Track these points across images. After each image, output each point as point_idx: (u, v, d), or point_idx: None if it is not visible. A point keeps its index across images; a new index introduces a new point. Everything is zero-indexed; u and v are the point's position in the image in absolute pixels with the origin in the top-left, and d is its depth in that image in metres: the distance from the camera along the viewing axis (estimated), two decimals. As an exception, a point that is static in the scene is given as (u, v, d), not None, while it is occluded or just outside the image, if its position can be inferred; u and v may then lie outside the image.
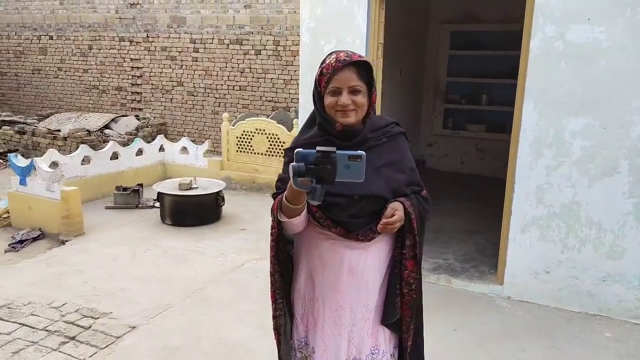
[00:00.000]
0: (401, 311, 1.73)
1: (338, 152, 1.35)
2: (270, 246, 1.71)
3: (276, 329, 1.82)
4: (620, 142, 3.30)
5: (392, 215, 1.56)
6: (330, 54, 1.61)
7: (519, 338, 3.22)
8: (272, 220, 1.67)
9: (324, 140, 1.60)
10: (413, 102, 7.05)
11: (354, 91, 1.55)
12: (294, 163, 1.35)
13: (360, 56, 1.58)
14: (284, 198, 1.54)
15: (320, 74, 1.59)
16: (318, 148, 1.35)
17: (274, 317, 1.80)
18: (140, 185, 6.11)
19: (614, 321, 3.45)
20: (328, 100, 1.57)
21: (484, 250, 4.51)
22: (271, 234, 1.69)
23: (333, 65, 1.54)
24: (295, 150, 1.38)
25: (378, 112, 4.04)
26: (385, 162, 1.65)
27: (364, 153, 1.37)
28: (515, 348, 3.10)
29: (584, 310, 3.56)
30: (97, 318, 3.35)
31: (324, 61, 1.60)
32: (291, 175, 1.36)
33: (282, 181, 1.68)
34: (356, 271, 1.67)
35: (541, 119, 3.46)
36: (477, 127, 7.24)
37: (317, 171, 1.34)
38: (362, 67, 1.57)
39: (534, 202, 3.59)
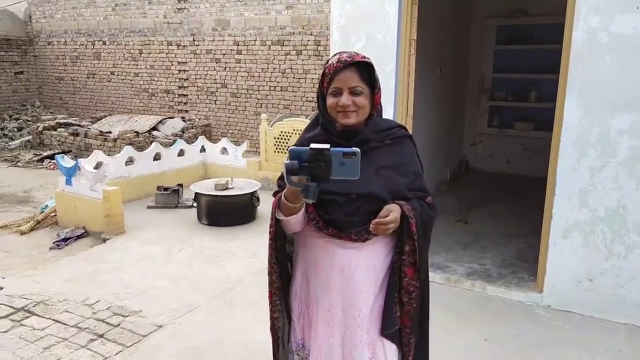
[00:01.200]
0: (401, 321, 1.65)
1: (332, 149, 1.33)
2: (269, 245, 1.70)
3: (273, 330, 1.80)
4: (673, 141, 3.02)
5: (386, 216, 1.51)
6: (334, 54, 1.61)
7: (555, 351, 3.01)
8: (271, 219, 1.66)
9: (326, 139, 1.57)
10: (455, 101, 6.81)
11: (354, 92, 1.54)
12: (287, 161, 1.34)
13: (363, 57, 1.56)
14: (282, 196, 1.54)
15: (323, 74, 1.59)
16: (312, 145, 1.33)
17: (272, 318, 1.79)
18: (180, 185, 6.24)
19: (664, 335, 3.17)
20: (329, 100, 1.57)
21: (525, 255, 4.27)
22: (269, 233, 1.68)
23: (335, 65, 1.54)
24: (289, 148, 1.37)
25: (408, 110, 3.92)
26: (386, 164, 1.61)
27: (358, 150, 1.35)
28: (550, 362, 2.91)
29: (631, 322, 3.30)
30: (127, 316, 3.42)
31: (327, 62, 1.61)
32: (285, 173, 1.35)
33: (283, 179, 1.65)
34: (347, 272, 1.63)
35: (585, 117, 3.23)
36: (524, 125, 6.90)
37: (310, 169, 1.32)
38: (365, 68, 1.56)
39: (576, 206, 3.36)
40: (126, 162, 6.29)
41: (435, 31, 5.37)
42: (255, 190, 5.45)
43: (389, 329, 1.64)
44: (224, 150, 7.25)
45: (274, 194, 1.68)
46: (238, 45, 9.18)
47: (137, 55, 10.58)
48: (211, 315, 3.44)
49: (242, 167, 6.96)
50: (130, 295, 3.72)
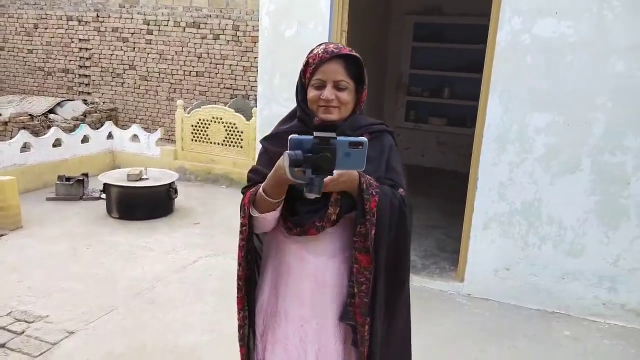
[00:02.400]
0: (354, 317, 1.47)
1: (338, 138, 1.21)
2: (239, 246, 1.51)
3: (242, 340, 1.60)
4: (583, 140, 3.27)
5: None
6: (320, 44, 1.49)
7: (479, 338, 3.15)
8: (242, 217, 1.48)
9: (303, 132, 1.43)
10: (375, 94, 6.92)
11: (339, 86, 1.42)
12: (289, 151, 1.20)
13: (350, 50, 1.45)
14: (261, 190, 1.39)
15: (306, 64, 1.47)
16: (316, 133, 1.20)
17: (240, 327, 1.59)
18: (85, 175, 5.73)
19: (572, 319, 3.45)
20: (311, 93, 1.45)
21: (444, 246, 4.45)
22: (241, 232, 1.50)
23: (320, 55, 1.42)
24: (290, 137, 1.22)
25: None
26: None
27: (365, 139, 1.24)
28: (475, 349, 3.03)
29: (543, 308, 3.55)
30: (32, 322, 3.05)
31: (311, 51, 1.47)
32: (286, 164, 1.20)
33: (255, 173, 1.52)
34: (322, 281, 1.50)
35: (505, 115, 3.39)
36: (439, 121, 7.21)
37: (315, 159, 1.19)
38: (352, 63, 1.44)
39: (496, 199, 3.53)
40: (21, 148, 5.64)
41: (358, 24, 5.37)
42: (173, 182, 5.14)
43: (345, 318, 1.49)
44: (135, 138, 6.78)
45: (244, 189, 1.51)
46: (149, 24, 8.59)
47: (32, 30, 9.53)
48: (129, 317, 3.17)
49: (156, 156, 6.55)
50: (33, 298, 3.33)
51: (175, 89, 8.62)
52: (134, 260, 4.01)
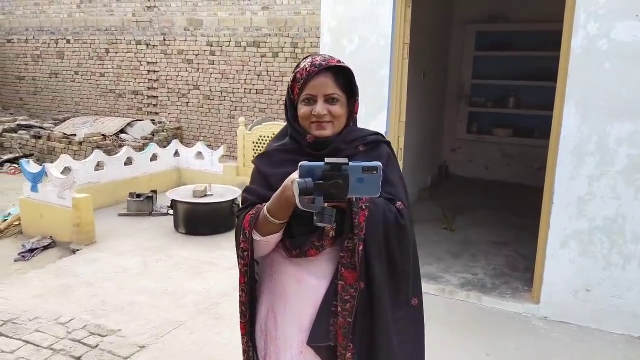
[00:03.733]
0: (336, 338, 1.38)
1: (351, 163, 1.16)
2: (242, 272, 1.43)
3: None
4: (672, 150, 3.00)
5: None
6: (306, 57, 1.41)
7: (559, 364, 2.94)
8: (243, 241, 1.39)
9: (296, 148, 1.41)
10: (436, 106, 6.77)
11: (330, 100, 1.36)
12: (299, 179, 1.15)
13: (339, 61, 1.39)
14: (265, 211, 1.32)
15: (293, 79, 1.40)
16: (327, 160, 1.16)
17: (244, 352, 1.53)
18: (154, 191, 5.95)
19: (662, 345, 3.15)
20: (302, 109, 1.38)
21: (515, 264, 4.22)
22: (242, 257, 1.41)
23: (308, 69, 1.35)
24: (300, 164, 1.17)
25: (401, 115, 3.80)
26: None
27: (380, 164, 1.18)
28: (556, 376, 2.83)
29: (628, 333, 3.26)
30: (105, 336, 3.16)
31: (297, 65, 1.41)
32: (296, 193, 1.15)
33: (250, 192, 1.46)
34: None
35: (583, 125, 3.18)
36: (503, 132, 6.92)
37: (326, 187, 1.14)
38: (341, 74, 1.38)
39: (574, 215, 3.30)
40: (95, 166, 5.95)
41: (419, 35, 5.29)
42: (236, 197, 5.23)
43: (315, 340, 1.40)
44: (199, 155, 6.98)
45: (240, 212, 1.44)
46: (211, 45, 8.90)
47: (104, 55, 10.14)
48: (197, 333, 3.21)
49: (219, 172, 6.70)
50: (107, 312, 3.45)
51: (236, 106, 8.85)
52: (200, 275, 4.08)
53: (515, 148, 6.91)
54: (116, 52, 9.99)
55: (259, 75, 8.55)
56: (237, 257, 1.44)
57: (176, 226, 5.19)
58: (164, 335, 3.17)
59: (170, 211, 5.33)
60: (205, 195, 5.21)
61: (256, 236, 1.36)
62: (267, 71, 8.45)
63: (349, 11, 3.74)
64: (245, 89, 8.71)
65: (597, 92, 3.12)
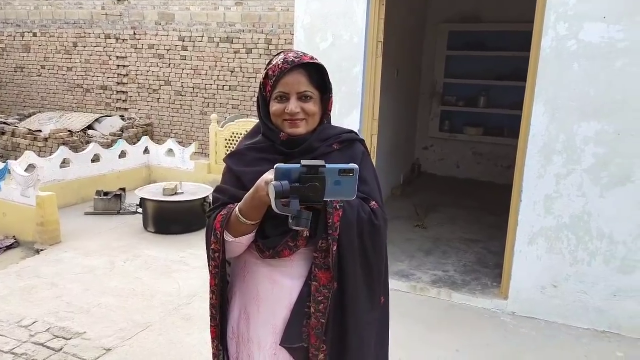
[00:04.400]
0: (309, 339, 1.36)
1: (328, 165, 1.14)
2: (212, 273, 1.40)
3: None
4: (635, 150, 3.08)
5: None
6: (278, 53, 1.39)
7: (528, 359, 2.98)
8: (214, 242, 1.36)
9: (269, 146, 1.39)
10: (409, 104, 6.81)
11: (303, 97, 1.34)
12: (275, 182, 1.13)
13: (312, 57, 1.37)
14: (237, 212, 1.29)
15: (266, 76, 1.37)
16: (303, 162, 1.14)
17: (214, 355, 1.49)
18: (123, 189, 5.81)
19: (625, 339, 3.24)
20: (274, 107, 1.36)
21: (485, 260, 4.28)
22: (213, 259, 1.38)
23: (280, 66, 1.33)
24: (275, 166, 1.15)
25: (374, 113, 3.80)
26: None
27: (356, 166, 1.17)
28: (524, 372, 2.87)
29: (593, 327, 3.34)
30: (69, 338, 3.06)
31: (269, 62, 1.38)
32: (272, 196, 1.12)
33: (222, 192, 1.42)
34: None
35: (551, 124, 3.24)
36: (474, 130, 7.02)
37: (303, 190, 1.12)
38: (314, 71, 1.36)
39: (542, 212, 3.36)
40: (60, 164, 5.77)
41: (393, 33, 5.30)
42: (207, 195, 5.14)
43: (288, 341, 1.38)
44: (170, 152, 6.85)
45: (210, 212, 1.41)
46: (183, 40, 8.75)
47: (71, 48, 9.86)
48: (165, 334, 3.14)
49: (190, 169, 6.60)
50: (72, 314, 3.34)
51: (208, 103, 8.73)
52: (169, 275, 4.00)
53: (485, 147, 7.01)
54: (84, 46, 9.72)
55: (232, 72, 8.44)
56: (208, 259, 1.41)
57: (145, 225, 5.08)
58: (131, 337, 3.09)
59: (139, 210, 5.22)
60: (176, 193, 5.12)
61: (228, 237, 1.33)
62: (241, 67, 8.36)
63: (323, 8, 3.71)
64: (218, 85, 8.60)
65: (566, 92, 3.17)
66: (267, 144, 1.40)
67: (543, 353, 3.06)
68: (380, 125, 3.92)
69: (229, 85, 8.49)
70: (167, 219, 4.98)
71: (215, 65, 8.54)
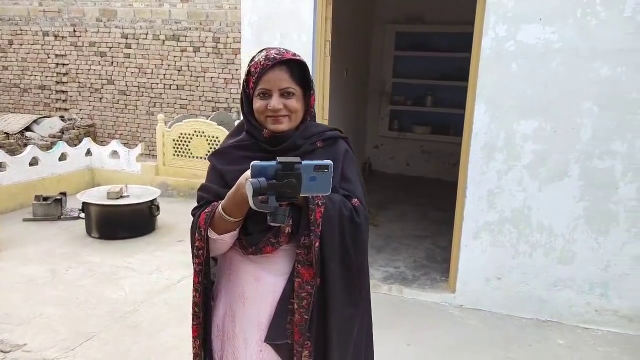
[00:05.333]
0: (293, 336, 1.37)
1: (303, 162, 1.17)
2: (196, 271, 1.40)
3: None
4: (571, 146, 3.25)
5: None
6: (261, 51, 1.40)
7: (474, 350, 3.09)
8: (198, 240, 1.36)
9: (252, 144, 1.40)
10: (359, 103, 6.89)
11: (286, 94, 1.35)
12: (252, 179, 1.14)
13: (294, 54, 1.37)
14: (220, 209, 1.30)
15: (248, 73, 1.39)
16: (279, 159, 1.16)
17: (195, 355, 1.48)
18: (64, 194, 5.55)
19: (565, 327, 3.40)
20: (257, 104, 1.37)
21: (434, 256, 4.39)
22: (197, 256, 1.38)
23: (262, 63, 1.34)
24: (252, 163, 1.16)
25: (323, 113, 3.82)
26: None
27: (331, 162, 1.19)
28: (471, 362, 2.96)
29: (536, 317, 3.50)
30: (8, 351, 2.90)
31: (252, 59, 1.39)
32: (249, 193, 1.14)
33: (206, 190, 1.43)
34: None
35: (492, 122, 3.36)
36: (422, 129, 7.19)
37: (279, 186, 1.14)
38: (296, 67, 1.37)
39: (485, 207, 3.48)
40: (-4, 168, 5.46)
41: (341, 33, 5.35)
42: (155, 198, 5.00)
43: (272, 338, 1.39)
44: (114, 154, 6.62)
45: (195, 210, 1.42)
46: (127, 38, 8.47)
47: (7, 47, 9.32)
48: (111, 344, 3.03)
49: (137, 172, 6.40)
50: (11, 325, 3.16)
51: (155, 103, 8.49)
52: (116, 282, 3.86)
53: (433, 145, 7.20)
54: (21, 44, 9.22)
55: (179, 71, 8.25)
56: (192, 256, 1.41)
57: (89, 231, 4.88)
58: (75, 347, 2.96)
59: (82, 215, 5.00)
60: (122, 197, 4.94)
61: (212, 234, 1.34)
62: (188, 66, 8.17)
63: (270, 6, 3.69)
64: (164, 84, 8.38)
65: (505, 92, 3.30)
66: (250, 142, 1.40)
67: (488, 343, 3.17)
68: (331, 125, 3.94)
69: (177, 85, 8.29)
70: (113, 223, 4.80)
71: (162, 64, 8.32)
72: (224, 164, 1.42)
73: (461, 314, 3.53)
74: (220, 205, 1.31)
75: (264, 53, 1.36)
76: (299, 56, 1.38)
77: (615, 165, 3.19)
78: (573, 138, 3.23)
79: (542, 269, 3.45)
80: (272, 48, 1.39)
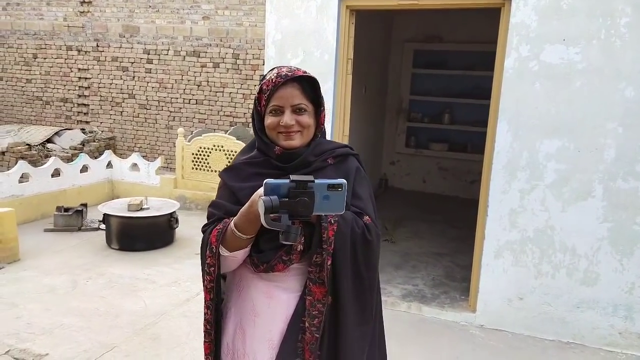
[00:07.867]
0: (303, 355, 1.36)
1: (317, 181, 1.16)
2: (207, 288, 1.39)
3: None
4: (595, 166, 3.23)
5: None
6: (272, 69, 1.41)
7: (497, 372, 3.04)
8: (210, 257, 1.36)
9: (264, 161, 1.41)
10: (376, 120, 6.93)
11: (298, 110, 1.36)
12: (265, 197, 1.14)
13: (304, 72, 1.39)
14: (232, 226, 1.30)
15: (260, 91, 1.39)
16: (292, 177, 1.15)
17: None
18: (84, 205, 5.63)
19: (588, 349, 3.35)
20: (269, 120, 1.38)
21: (453, 274, 4.35)
22: (208, 273, 1.37)
23: (274, 81, 1.36)
24: (265, 181, 1.15)
25: (344, 129, 3.84)
26: None
27: (345, 181, 1.18)
28: (493, 384, 2.92)
29: (558, 339, 3.44)
30: (30, 361, 2.92)
31: (264, 77, 1.41)
32: (261, 211, 1.13)
33: (217, 207, 1.43)
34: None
35: (515, 141, 3.35)
36: (439, 146, 7.19)
37: (292, 205, 1.13)
38: (307, 84, 1.38)
39: (507, 226, 3.46)
40: (19, 179, 5.55)
41: (360, 51, 5.40)
42: (174, 211, 5.05)
43: (283, 357, 1.38)
44: (134, 167, 6.70)
45: (206, 227, 1.41)
46: (149, 54, 8.63)
47: (31, 60, 9.55)
48: (132, 355, 3.04)
49: (156, 185, 6.47)
50: (33, 335, 3.20)
51: (174, 117, 8.61)
52: (135, 294, 3.89)
53: (450, 162, 7.19)
54: (45, 58, 9.44)
55: (199, 86, 8.37)
56: (203, 274, 1.40)
57: (109, 242, 4.93)
58: (97, 358, 2.98)
59: (102, 226, 5.06)
60: (142, 209, 5.00)
61: (223, 251, 1.33)
62: (208, 82, 8.29)
63: (294, 25, 3.75)
64: (184, 99, 8.50)
65: (528, 111, 3.30)
66: (262, 159, 1.41)
67: (511, 365, 3.13)
68: (350, 141, 3.97)
69: (196, 99, 8.41)
70: (132, 235, 4.85)
71: (182, 79, 8.45)
72: (236, 180, 1.42)
73: (482, 334, 3.49)
74: (232, 222, 1.31)
75: (275, 71, 1.38)
76: (309, 74, 1.39)
77: (639, 187, 3.16)
78: (597, 158, 3.21)
79: (565, 290, 3.40)
80: (284, 66, 1.40)
